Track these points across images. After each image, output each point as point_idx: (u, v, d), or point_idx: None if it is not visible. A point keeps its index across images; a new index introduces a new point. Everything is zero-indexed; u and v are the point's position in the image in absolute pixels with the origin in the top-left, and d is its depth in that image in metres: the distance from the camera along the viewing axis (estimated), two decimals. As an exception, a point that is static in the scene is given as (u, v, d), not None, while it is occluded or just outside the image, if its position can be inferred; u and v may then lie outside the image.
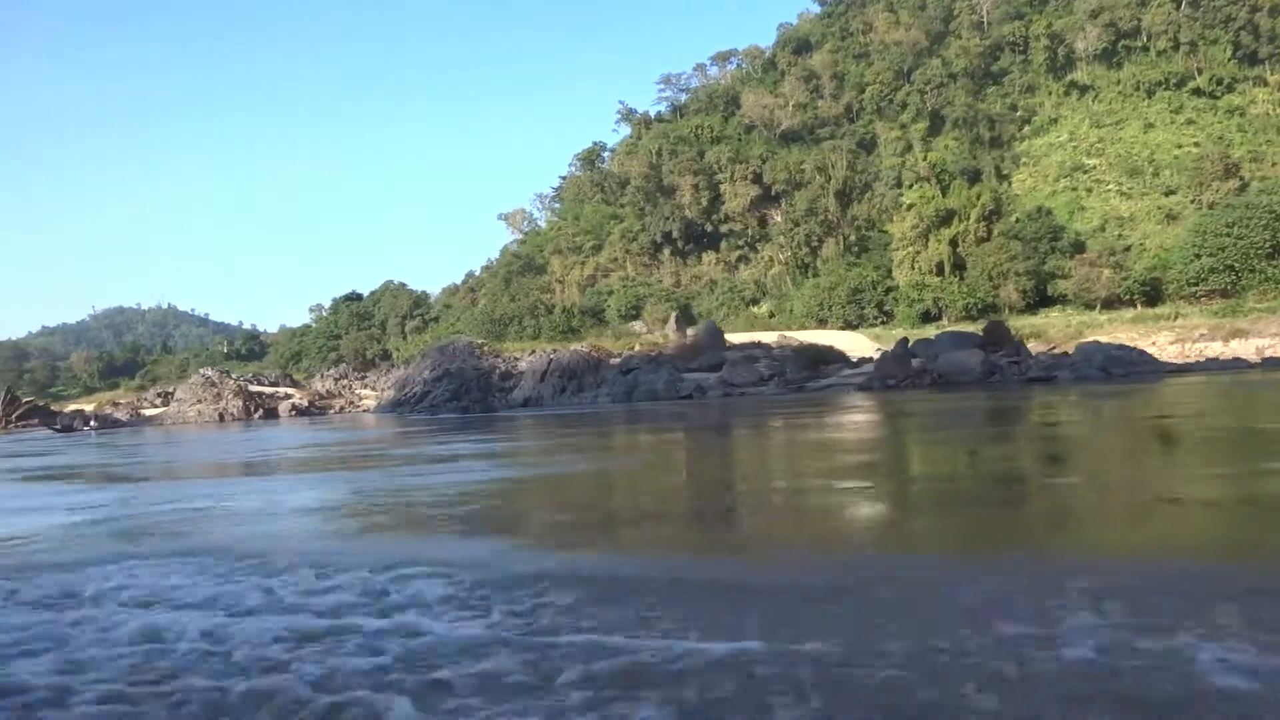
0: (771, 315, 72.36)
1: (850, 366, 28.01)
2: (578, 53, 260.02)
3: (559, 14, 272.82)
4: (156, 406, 44.42)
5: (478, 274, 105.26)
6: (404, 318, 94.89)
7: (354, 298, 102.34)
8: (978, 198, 62.70)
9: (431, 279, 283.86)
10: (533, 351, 32.36)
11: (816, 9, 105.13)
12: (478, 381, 29.83)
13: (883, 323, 63.82)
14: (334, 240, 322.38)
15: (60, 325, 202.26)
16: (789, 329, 58.81)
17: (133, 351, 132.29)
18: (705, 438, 16.59)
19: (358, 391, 42.33)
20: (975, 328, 56.42)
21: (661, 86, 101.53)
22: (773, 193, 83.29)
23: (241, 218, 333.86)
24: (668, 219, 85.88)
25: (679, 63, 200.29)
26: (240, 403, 38.18)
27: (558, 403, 27.22)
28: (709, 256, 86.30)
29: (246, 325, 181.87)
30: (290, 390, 42.43)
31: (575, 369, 28.36)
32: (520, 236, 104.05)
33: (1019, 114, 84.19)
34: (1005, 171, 71.04)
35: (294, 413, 38.32)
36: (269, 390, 41.57)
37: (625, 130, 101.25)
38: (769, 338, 37.15)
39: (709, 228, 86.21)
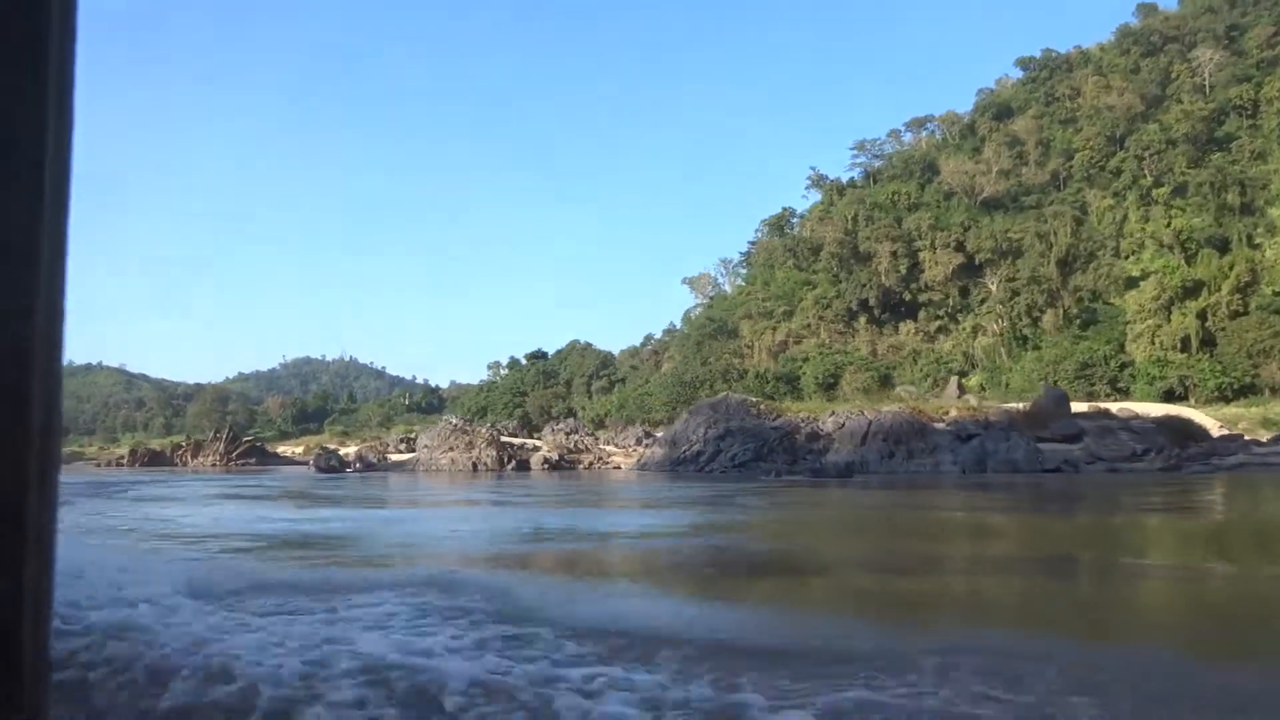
0: (983, 388, 68.78)
1: (1259, 444, 25.17)
2: (766, 119, 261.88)
3: (748, 83, 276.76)
4: (402, 452, 45.37)
5: (658, 336, 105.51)
6: (590, 377, 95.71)
7: (539, 355, 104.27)
8: (1230, 268, 58.02)
9: (606, 339, 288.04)
10: (832, 413, 30.91)
11: (1018, 74, 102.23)
12: (780, 441, 28.60)
13: (1115, 400, 59.54)
14: (504, 302, 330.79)
15: (254, 372, 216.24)
16: (1005, 402, 55.38)
17: (322, 399, 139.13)
18: None
19: (603, 447, 41.98)
20: (1234, 409, 51.89)
21: (855, 152, 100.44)
22: (976, 261, 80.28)
23: (418, 279, 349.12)
24: (864, 286, 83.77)
25: (872, 129, 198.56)
26: (494, 452, 38.26)
27: (887, 468, 25.60)
28: (906, 326, 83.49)
29: (419, 379, 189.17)
30: (537, 443, 42.56)
31: (900, 433, 26.69)
32: (704, 301, 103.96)
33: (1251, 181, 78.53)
34: (1257, 241, 65.80)
35: (545, 466, 38.08)
36: (518, 441, 41.77)
37: (815, 196, 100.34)
38: (1079, 407, 34.38)
39: (907, 296, 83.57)
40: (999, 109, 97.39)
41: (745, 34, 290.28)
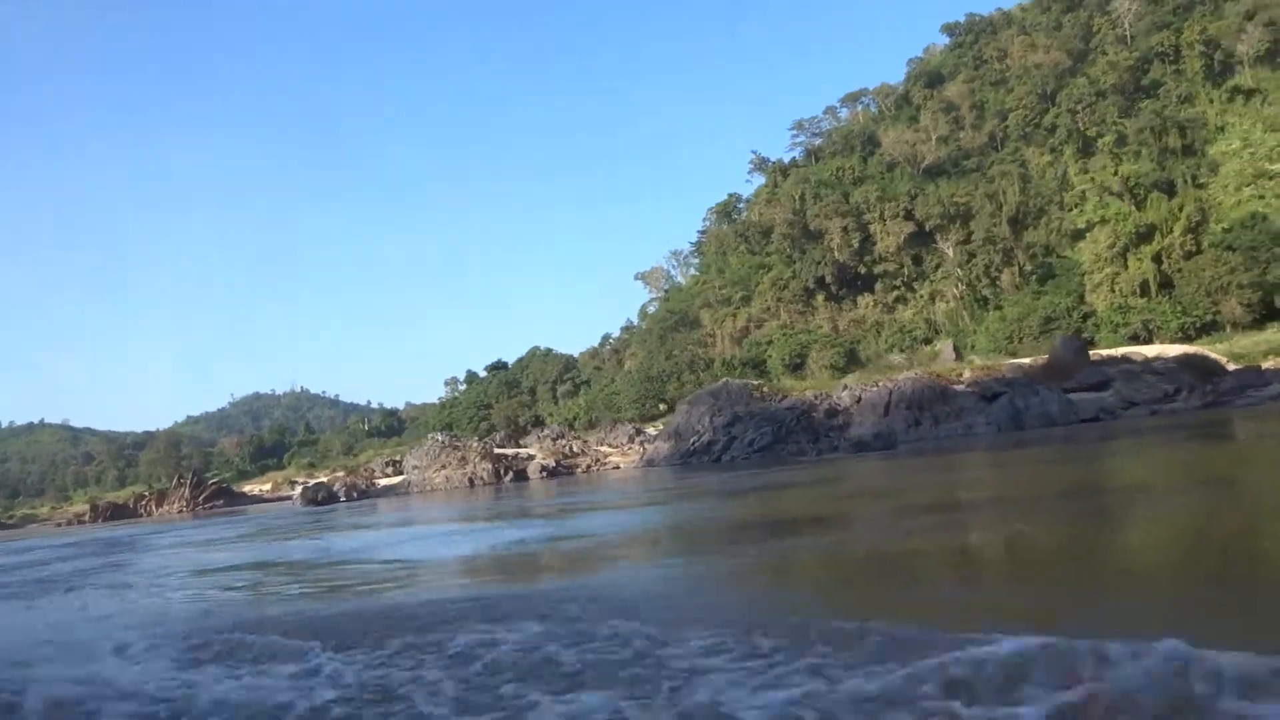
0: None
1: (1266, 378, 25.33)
2: (702, 107, 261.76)
3: (681, 73, 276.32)
4: (389, 476, 44.03)
5: (617, 335, 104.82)
6: (554, 383, 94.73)
7: (500, 366, 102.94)
8: (1180, 209, 59.25)
9: (566, 343, 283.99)
10: (845, 386, 30.53)
11: (945, 40, 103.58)
12: (798, 421, 28.08)
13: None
14: (454, 317, 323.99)
15: (203, 414, 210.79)
16: (975, 363, 55.90)
17: (279, 434, 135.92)
18: None
19: (597, 448, 41.19)
20: (1197, 348, 52.94)
21: (794, 132, 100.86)
22: (927, 228, 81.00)
23: (365, 304, 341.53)
24: (818, 264, 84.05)
25: (807, 108, 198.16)
26: (489, 465, 37.24)
27: (917, 436, 25.22)
28: (865, 299, 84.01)
29: (374, 404, 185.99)
30: (530, 451, 41.58)
31: (922, 399, 26.34)
32: (660, 295, 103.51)
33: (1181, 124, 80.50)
34: (1202, 180, 67.36)
35: (543, 474, 37.22)
36: (510, 452, 40.77)
37: (759, 179, 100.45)
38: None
39: (862, 270, 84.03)
40: (931, 77, 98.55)
41: (672, 26, 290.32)
